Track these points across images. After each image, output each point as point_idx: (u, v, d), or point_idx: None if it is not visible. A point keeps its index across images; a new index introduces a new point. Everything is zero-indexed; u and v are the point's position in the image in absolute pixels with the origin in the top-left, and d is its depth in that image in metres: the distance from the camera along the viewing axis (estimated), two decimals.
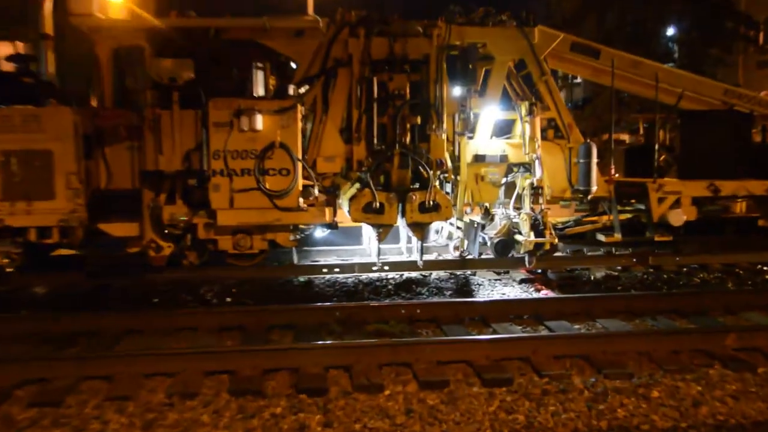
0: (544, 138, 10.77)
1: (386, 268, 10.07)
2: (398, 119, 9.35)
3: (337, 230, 9.98)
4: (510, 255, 10.66)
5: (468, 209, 10.86)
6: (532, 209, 10.36)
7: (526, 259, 10.55)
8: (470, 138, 10.51)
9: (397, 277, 10.27)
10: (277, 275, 10.25)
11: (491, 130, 10.66)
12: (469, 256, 10.84)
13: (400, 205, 9.11)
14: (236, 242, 9.44)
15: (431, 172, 9.31)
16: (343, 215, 9.86)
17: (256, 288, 9.75)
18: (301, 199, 9.14)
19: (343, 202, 9.86)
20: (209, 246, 9.49)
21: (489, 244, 10.77)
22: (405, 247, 11.30)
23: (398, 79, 9.49)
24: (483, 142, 10.56)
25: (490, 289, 9.98)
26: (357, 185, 9.81)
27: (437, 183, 9.83)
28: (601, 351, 7.16)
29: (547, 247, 10.34)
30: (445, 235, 12.08)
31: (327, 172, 9.69)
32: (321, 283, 10.14)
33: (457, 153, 10.37)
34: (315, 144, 9.71)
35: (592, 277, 10.60)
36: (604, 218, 11.63)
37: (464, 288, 9.81)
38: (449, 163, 10.00)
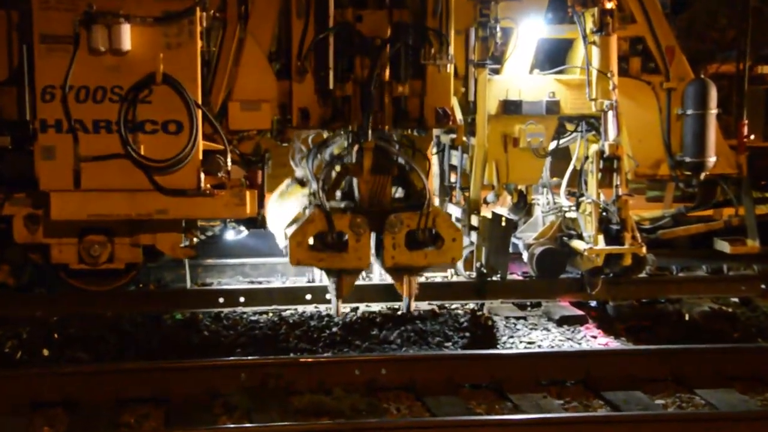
0: (624, 72, 10.29)
1: (328, 296, 9.82)
2: (372, 86, 9.08)
3: (264, 229, 9.91)
4: (561, 274, 10.34)
5: (489, 196, 10.50)
6: (602, 196, 9.99)
7: (587, 280, 10.21)
8: (494, 72, 10.14)
9: (347, 311, 9.94)
10: (135, 309, 9.87)
11: (531, 58, 10.24)
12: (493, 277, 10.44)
13: (375, 235, 9.16)
14: (85, 250, 9.14)
15: (427, 179, 9.26)
16: None
17: (97, 331, 9.28)
18: (202, 176, 8.89)
19: (277, 230, 9.79)
20: (33, 257, 9.28)
21: (525, 255, 10.44)
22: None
23: (372, 18, 9.16)
24: (517, 78, 10.17)
25: (509, 333, 9.71)
26: (299, 189, 9.76)
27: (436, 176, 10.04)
28: None
29: (628, 261, 9.91)
30: None
31: (248, 128, 9.41)
32: (215, 321, 9.79)
33: (471, 98, 10.01)
34: (226, 79, 9.31)
35: (687, 316, 10.22)
36: (727, 213, 11.14)
37: (464, 331, 9.52)
38: (458, 115, 9.64)
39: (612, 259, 9.87)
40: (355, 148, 9.17)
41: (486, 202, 10.38)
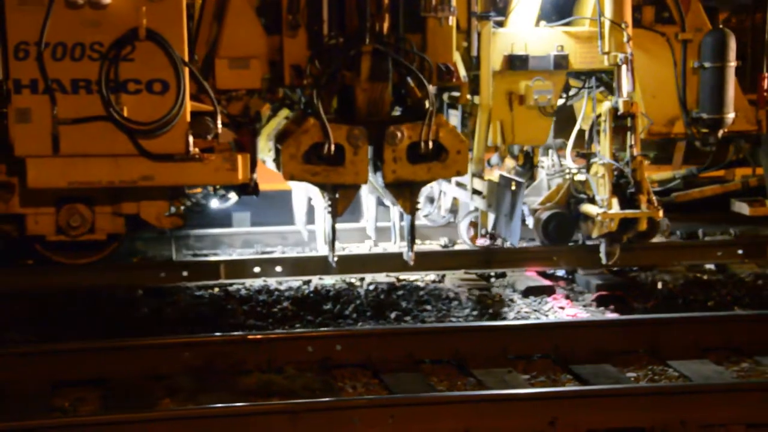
0: (636, 23, 10.24)
1: (278, 269, 10.13)
2: None
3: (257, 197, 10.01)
4: (570, 241, 10.46)
5: (494, 157, 10.65)
6: (616, 157, 9.97)
7: (603, 249, 10.17)
8: (499, 24, 10.21)
9: (299, 284, 10.06)
10: (66, 285, 9.71)
11: (538, 9, 10.30)
12: (504, 243, 10.52)
13: (372, 148, 9.10)
14: (64, 221, 9.27)
15: (430, 88, 9.14)
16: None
17: (25, 310, 9.21)
18: (190, 139, 8.96)
19: (264, 146, 9.92)
20: (6, 228, 9.42)
21: (530, 220, 10.59)
22: (372, 225, 11.23)
23: None
24: (523, 31, 10.23)
25: (470, 305, 9.69)
26: (287, 113, 9.82)
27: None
28: (677, 420, 7.02)
29: (643, 226, 9.95)
30: (447, 206, 11.77)
31: (236, 87, 9.45)
32: (156, 297, 9.80)
33: (474, 53, 10.07)
34: (212, 34, 9.39)
35: (660, 284, 10.27)
36: (741, 173, 11.25)
37: (420, 302, 9.61)
38: (462, 72, 9.76)
39: (627, 224, 9.89)
40: (352, 51, 9.03)
41: (489, 165, 10.45)
